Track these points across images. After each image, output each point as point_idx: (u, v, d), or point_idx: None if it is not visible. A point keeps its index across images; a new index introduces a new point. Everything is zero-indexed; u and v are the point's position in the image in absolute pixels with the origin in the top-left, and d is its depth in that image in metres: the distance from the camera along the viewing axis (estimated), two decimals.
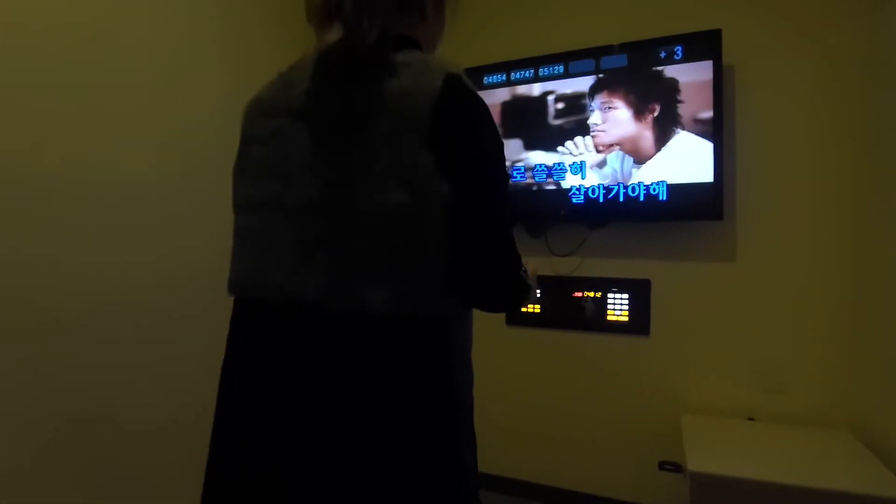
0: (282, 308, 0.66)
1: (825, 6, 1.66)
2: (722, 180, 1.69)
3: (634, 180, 1.79)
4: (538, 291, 0.82)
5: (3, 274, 1.15)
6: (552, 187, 1.93)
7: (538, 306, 2.03)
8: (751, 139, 1.76)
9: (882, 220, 1.49)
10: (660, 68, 1.77)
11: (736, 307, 1.76)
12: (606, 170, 1.84)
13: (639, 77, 1.80)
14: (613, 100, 1.83)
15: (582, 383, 1.97)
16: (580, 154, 1.88)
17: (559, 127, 1.92)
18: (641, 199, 1.78)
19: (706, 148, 1.70)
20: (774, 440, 1.52)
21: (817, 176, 1.68)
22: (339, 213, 0.64)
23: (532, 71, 1.97)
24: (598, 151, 1.85)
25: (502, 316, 2.10)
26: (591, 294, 1.95)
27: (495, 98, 2.03)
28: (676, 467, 1.68)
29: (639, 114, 1.79)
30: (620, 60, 1.83)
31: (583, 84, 1.88)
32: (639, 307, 1.89)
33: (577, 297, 1.98)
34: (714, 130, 1.69)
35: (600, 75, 1.86)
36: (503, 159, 0.71)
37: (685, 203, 1.73)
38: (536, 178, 1.95)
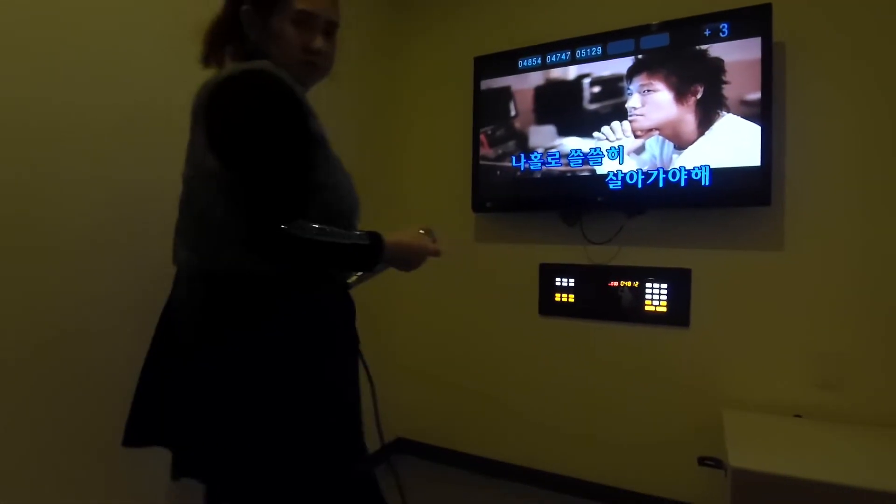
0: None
1: None
2: (770, 164, 1.60)
3: (675, 166, 1.72)
4: (410, 262, 0.82)
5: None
6: (587, 173, 1.87)
7: (572, 296, 1.99)
8: (802, 121, 1.66)
9: None
10: (704, 47, 1.68)
11: (784, 298, 1.67)
12: (645, 156, 1.77)
13: (681, 57, 1.72)
14: (653, 82, 1.76)
15: (618, 376, 1.92)
16: (617, 140, 1.82)
17: (595, 112, 1.86)
18: (683, 184, 1.71)
19: (753, 131, 1.61)
20: (824, 438, 1.44)
21: (874, 158, 1.57)
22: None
23: (568, 53, 1.91)
24: (637, 137, 1.79)
25: (535, 306, 2.07)
26: (628, 284, 1.90)
27: (529, 83, 1.98)
28: (717, 463, 1.62)
29: (680, 96, 1.72)
30: (662, 40, 1.75)
31: (620, 66, 1.81)
32: (678, 297, 1.82)
33: (614, 287, 1.92)
34: (762, 112, 1.60)
35: (640, 56, 1.78)
36: (255, 128, 0.79)
37: (730, 189, 1.64)
38: (572, 164, 1.90)
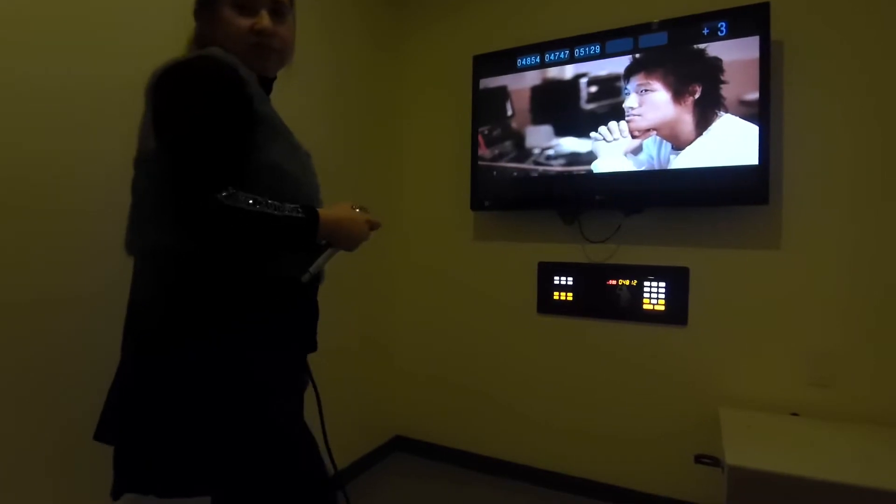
0: None
1: None
2: (768, 163, 1.60)
3: (672, 167, 1.72)
4: (351, 236, 0.84)
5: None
6: (585, 173, 1.88)
7: (570, 294, 2.00)
8: (800, 120, 1.66)
9: None
10: (702, 46, 1.68)
11: (780, 296, 1.69)
12: (642, 156, 1.78)
13: (679, 56, 1.72)
14: (651, 81, 1.76)
15: (615, 374, 1.93)
16: (614, 140, 1.82)
17: (592, 111, 1.86)
18: (680, 183, 1.71)
19: (751, 131, 1.61)
20: (819, 435, 1.45)
21: (873, 158, 1.58)
22: None
23: (567, 52, 1.91)
24: (634, 137, 1.79)
25: (533, 304, 2.08)
26: (626, 282, 1.91)
27: (525, 82, 1.98)
28: (714, 461, 1.63)
29: (678, 96, 1.72)
30: (660, 39, 1.76)
31: (618, 65, 1.81)
32: (676, 296, 1.83)
33: (612, 286, 1.93)
34: (760, 112, 1.60)
35: (637, 55, 1.79)
36: (189, 106, 0.80)
37: (728, 187, 1.65)
38: (569, 165, 1.90)
